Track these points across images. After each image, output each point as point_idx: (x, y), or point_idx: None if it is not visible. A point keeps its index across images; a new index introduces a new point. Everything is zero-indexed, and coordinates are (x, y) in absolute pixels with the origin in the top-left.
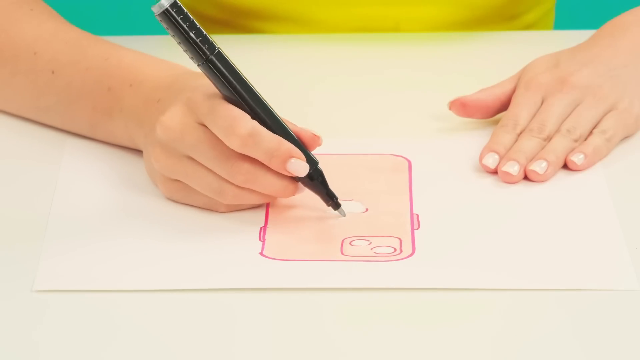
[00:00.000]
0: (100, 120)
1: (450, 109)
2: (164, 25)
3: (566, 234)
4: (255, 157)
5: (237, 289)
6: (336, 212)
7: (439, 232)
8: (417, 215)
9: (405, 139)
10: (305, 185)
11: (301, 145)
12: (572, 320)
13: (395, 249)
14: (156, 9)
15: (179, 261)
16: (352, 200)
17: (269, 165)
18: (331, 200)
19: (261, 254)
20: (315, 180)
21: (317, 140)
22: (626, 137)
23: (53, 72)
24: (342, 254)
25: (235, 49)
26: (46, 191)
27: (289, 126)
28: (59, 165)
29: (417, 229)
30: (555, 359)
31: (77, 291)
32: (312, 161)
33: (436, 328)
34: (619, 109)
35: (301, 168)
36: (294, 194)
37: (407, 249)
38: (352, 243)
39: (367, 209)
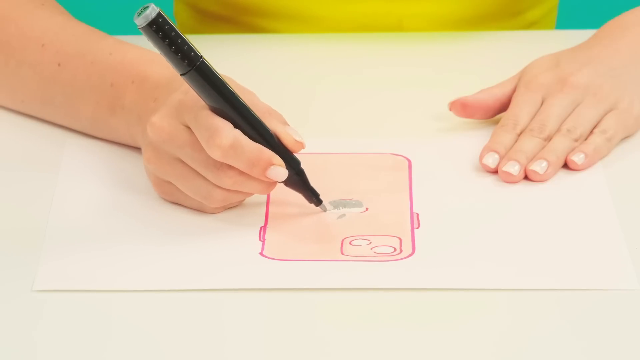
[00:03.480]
0: (102, 116)
1: (450, 109)
2: (146, 37)
3: (566, 234)
4: (237, 167)
5: (237, 289)
6: (318, 208)
7: (438, 232)
8: (417, 215)
9: (405, 138)
10: (288, 185)
11: (283, 148)
12: (572, 320)
13: (395, 249)
14: (140, 22)
15: (179, 261)
16: (352, 199)
17: (250, 174)
18: (314, 197)
19: (261, 254)
20: (297, 180)
21: (299, 145)
22: (626, 137)
23: (59, 65)
24: (342, 253)
25: (237, 48)
26: (46, 191)
27: (276, 127)
28: (58, 165)
29: (417, 228)
30: (556, 359)
31: (77, 291)
32: (294, 161)
33: (436, 328)
34: (619, 109)
35: (280, 174)
36: (273, 188)
37: (407, 248)
38: (352, 243)
39: (367, 208)
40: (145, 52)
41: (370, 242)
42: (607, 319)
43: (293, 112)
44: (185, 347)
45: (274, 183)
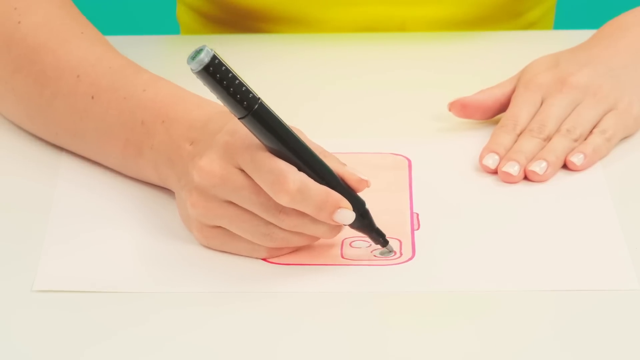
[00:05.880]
0: (130, 155)
1: (450, 110)
2: (202, 81)
3: (566, 234)
4: (304, 211)
5: (237, 291)
6: (385, 249)
7: (438, 233)
8: (417, 215)
9: (405, 138)
10: (352, 227)
11: (346, 189)
12: (572, 320)
13: (395, 252)
14: (195, 66)
15: (180, 264)
16: None
17: (317, 218)
18: (380, 238)
19: (262, 258)
20: (363, 221)
21: (363, 184)
22: (626, 137)
23: (92, 97)
24: (343, 257)
25: (239, 48)
26: (46, 190)
27: (335, 167)
28: (59, 164)
29: (417, 229)
30: (557, 359)
31: (77, 291)
32: (359, 203)
33: (436, 330)
34: (618, 109)
35: (347, 217)
36: (339, 232)
37: (407, 252)
38: (352, 244)
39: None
40: (178, 90)
41: (370, 245)
42: (607, 319)
43: (294, 112)
44: (184, 348)
45: (340, 226)
